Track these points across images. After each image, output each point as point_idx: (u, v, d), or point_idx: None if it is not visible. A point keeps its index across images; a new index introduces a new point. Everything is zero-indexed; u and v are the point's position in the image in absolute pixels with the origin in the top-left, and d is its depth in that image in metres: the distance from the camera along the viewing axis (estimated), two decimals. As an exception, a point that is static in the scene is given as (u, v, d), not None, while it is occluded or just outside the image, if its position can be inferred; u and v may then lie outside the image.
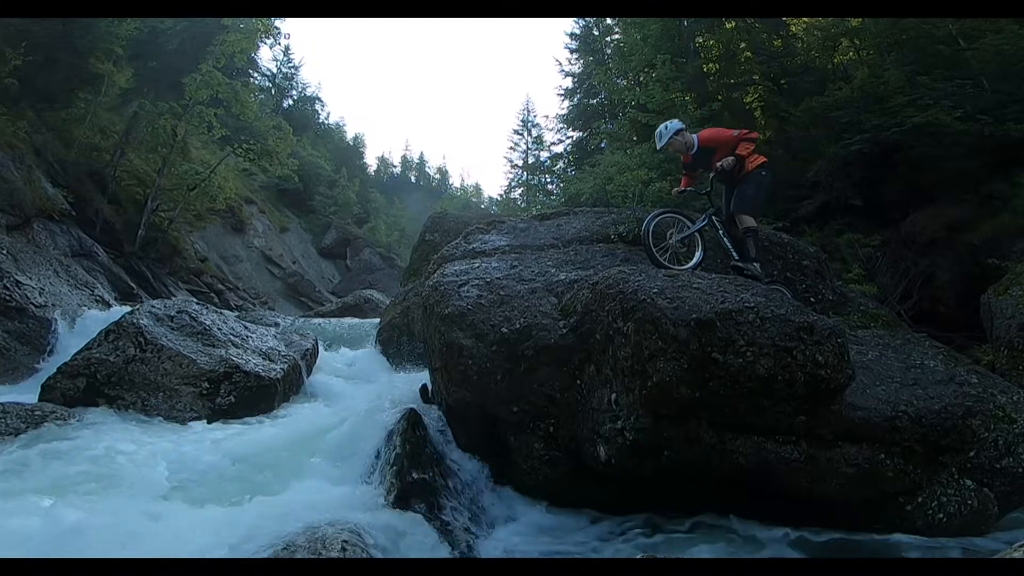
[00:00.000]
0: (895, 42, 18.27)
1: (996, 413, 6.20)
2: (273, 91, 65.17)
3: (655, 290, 5.53)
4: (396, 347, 11.58)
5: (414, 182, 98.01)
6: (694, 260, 8.06)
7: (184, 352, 8.98)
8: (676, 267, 7.56)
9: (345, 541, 4.57)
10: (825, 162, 16.70)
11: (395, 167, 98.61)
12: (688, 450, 5.38)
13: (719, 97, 24.05)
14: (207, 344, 9.42)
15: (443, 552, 5.16)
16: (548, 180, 38.36)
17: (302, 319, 19.38)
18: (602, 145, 27.52)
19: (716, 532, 5.70)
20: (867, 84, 16.59)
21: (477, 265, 8.17)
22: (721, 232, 8.20)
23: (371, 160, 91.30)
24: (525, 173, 40.58)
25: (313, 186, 55.74)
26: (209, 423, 8.25)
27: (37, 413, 7.42)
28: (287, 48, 67.87)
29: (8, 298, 11.33)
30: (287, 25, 51.66)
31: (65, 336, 11.56)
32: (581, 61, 34.72)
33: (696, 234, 8.18)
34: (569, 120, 34.81)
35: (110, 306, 13.27)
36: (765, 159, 8.31)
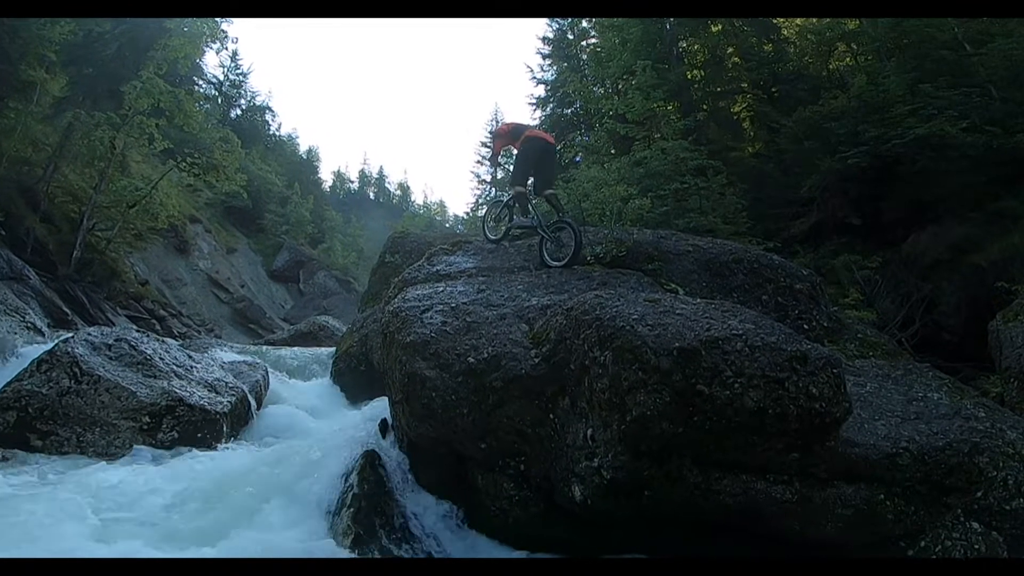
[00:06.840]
0: (895, 47, 18.47)
1: (1006, 450, 6.21)
2: (220, 100, 65.35)
3: (635, 316, 5.51)
4: (353, 378, 11.53)
5: (373, 199, 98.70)
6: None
7: (123, 384, 8.82)
8: None
9: (299, 588, 4.55)
10: (819, 177, 16.82)
11: (352, 183, 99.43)
12: (670, 490, 5.33)
13: (704, 107, 24.28)
14: (148, 375, 9.28)
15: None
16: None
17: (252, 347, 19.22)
18: (577, 159, 27.68)
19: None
20: (865, 92, 16.72)
21: (441, 289, 8.18)
22: None
23: (326, 175, 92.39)
24: (494, 189, 40.55)
25: (263, 203, 55.68)
26: (149, 460, 8.12)
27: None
28: (235, 53, 68.28)
29: (-69, 325, 11.19)
30: (235, 28, 51.53)
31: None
32: (555, 67, 34.86)
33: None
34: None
35: (43, 334, 13.10)
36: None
